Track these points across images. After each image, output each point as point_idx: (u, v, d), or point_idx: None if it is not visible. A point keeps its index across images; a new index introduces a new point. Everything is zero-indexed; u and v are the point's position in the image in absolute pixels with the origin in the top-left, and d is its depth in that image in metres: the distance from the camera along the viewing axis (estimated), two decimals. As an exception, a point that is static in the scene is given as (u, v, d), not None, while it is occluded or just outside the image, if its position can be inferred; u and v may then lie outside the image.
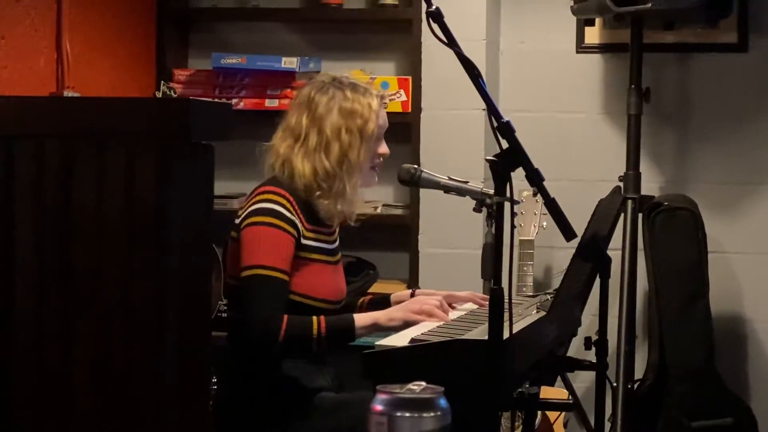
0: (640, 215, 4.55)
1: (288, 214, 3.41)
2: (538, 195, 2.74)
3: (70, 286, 2.83)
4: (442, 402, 2.08)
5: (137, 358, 2.81)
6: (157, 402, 2.81)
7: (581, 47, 4.91)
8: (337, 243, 3.62)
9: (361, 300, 3.76)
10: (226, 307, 4.17)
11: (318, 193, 3.49)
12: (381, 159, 3.62)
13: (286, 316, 3.31)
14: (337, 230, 3.63)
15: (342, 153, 3.49)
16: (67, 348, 2.83)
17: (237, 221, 3.46)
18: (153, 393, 2.80)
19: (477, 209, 3.46)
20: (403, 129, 4.70)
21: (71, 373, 2.83)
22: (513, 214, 2.77)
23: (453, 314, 3.43)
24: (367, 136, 3.51)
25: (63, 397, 2.83)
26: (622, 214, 4.40)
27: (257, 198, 3.45)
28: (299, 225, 3.44)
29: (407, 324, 3.33)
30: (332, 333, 3.34)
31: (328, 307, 3.48)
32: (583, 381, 4.66)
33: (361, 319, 3.39)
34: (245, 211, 3.45)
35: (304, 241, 3.45)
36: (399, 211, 4.86)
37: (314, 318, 3.35)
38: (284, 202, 3.43)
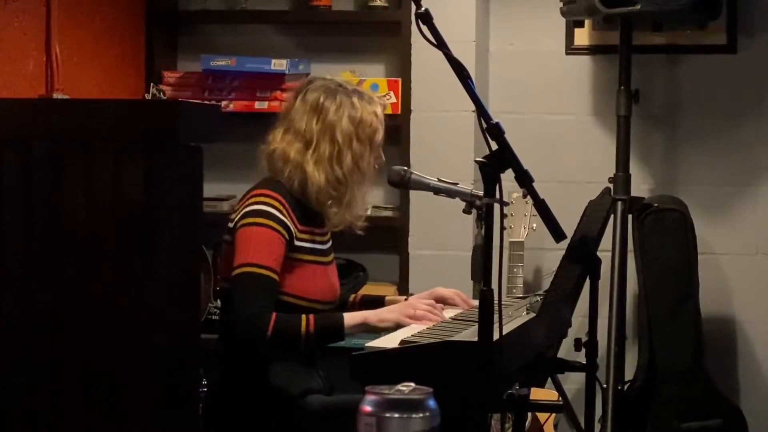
0: (630, 217, 4.55)
1: (279, 215, 3.42)
2: (528, 196, 2.73)
3: (58, 288, 2.83)
4: (431, 403, 2.08)
5: (126, 361, 2.81)
6: (145, 405, 2.80)
7: (570, 49, 4.91)
8: (330, 243, 3.62)
9: (352, 297, 3.77)
10: (216, 310, 4.16)
11: (329, 201, 3.50)
12: (376, 167, 3.64)
13: (274, 314, 3.31)
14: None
15: (354, 162, 3.51)
16: (55, 350, 2.82)
17: (231, 225, 3.46)
18: (141, 395, 2.80)
19: (467, 211, 3.45)
20: (393, 131, 4.67)
21: (59, 375, 2.83)
22: (503, 216, 2.77)
23: (444, 315, 3.43)
24: (375, 144, 3.55)
25: (51, 399, 2.83)
26: (612, 216, 4.39)
27: (249, 201, 3.45)
28: (291, 227, 3.44)
29: (399, 327, 3.33)
30: (321, 331, 3.35)
31: (323, 308, 3.48)
32: (573, 382, 4.65)
33: (350, 318, 3.39)
34: (238, 214, 3.45)
35: (297, 243, 3.46)
36: (389, 213, 4.85)
37: (303, 316, 3.35)
38: (276, 204, 3.43)
